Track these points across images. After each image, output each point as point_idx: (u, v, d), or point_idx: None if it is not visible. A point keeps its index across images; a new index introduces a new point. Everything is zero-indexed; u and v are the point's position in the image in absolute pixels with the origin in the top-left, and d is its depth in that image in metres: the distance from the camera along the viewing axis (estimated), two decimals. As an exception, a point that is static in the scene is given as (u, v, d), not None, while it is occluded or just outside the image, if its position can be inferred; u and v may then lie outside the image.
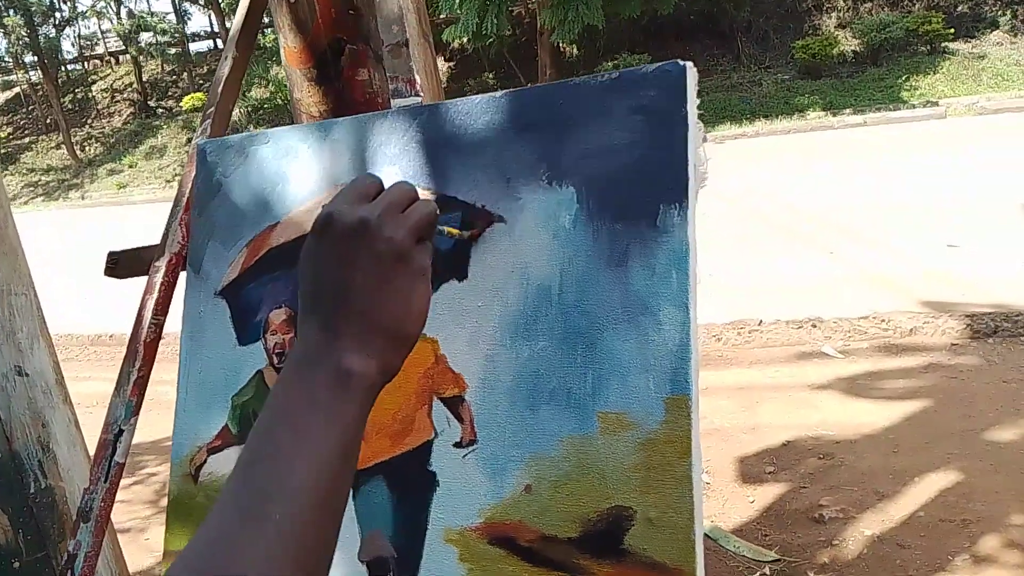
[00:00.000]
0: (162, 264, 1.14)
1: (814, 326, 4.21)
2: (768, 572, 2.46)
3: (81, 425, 1.52)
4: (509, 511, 0.81)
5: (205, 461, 0.99)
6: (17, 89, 28.54)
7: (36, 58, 24.62)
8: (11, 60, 26.47)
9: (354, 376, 0.54)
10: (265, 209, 1.02)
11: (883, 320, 4.18)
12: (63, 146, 24.39)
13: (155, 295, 1.13)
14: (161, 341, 1.16)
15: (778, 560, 2.50)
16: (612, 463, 0.78)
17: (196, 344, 1.04)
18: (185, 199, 1.15)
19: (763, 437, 3.27)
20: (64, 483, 1.34)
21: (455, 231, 0.85)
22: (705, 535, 2.74)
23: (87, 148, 24.62)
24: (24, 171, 24.75)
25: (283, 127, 1.04)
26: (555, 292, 0.84)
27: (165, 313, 1.14)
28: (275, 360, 0.97)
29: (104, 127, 25.45)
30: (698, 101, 0.82)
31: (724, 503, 2.90)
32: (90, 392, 4.82)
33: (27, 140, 26.66)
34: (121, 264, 1.26)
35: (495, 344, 0.85)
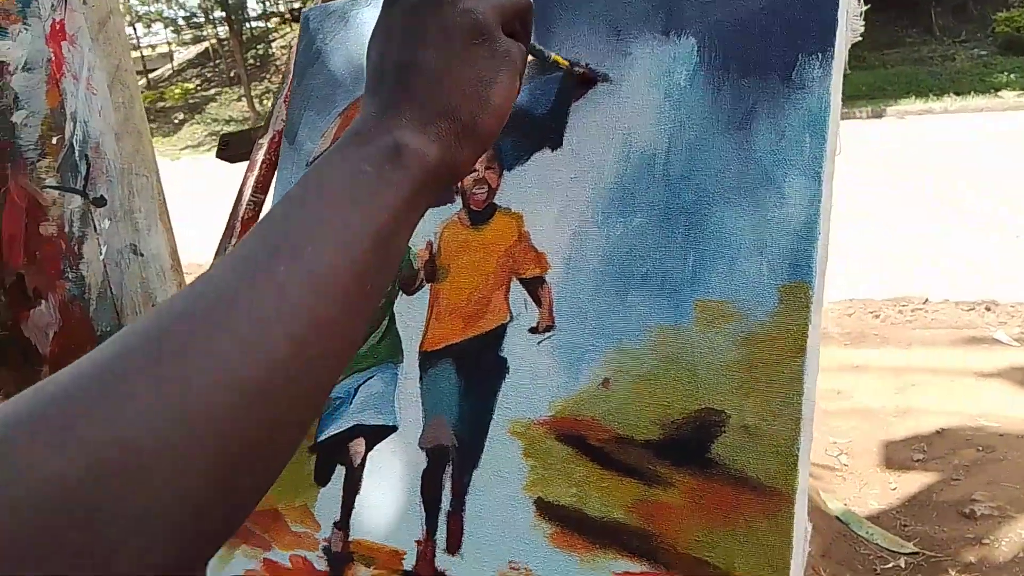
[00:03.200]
0: (265, 141, 1.11)
1: (988, 309, 3.76)
2: (903, 565, 2.21)
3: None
4: (582, 406, 0.71)
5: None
6: (206, 44, 30.76)
7: (224, 14, 26.36)
8: (202, 16, 28.49)
9: (408, 151, 0.47)
10: (361, 77, 0.95)
11: (1072, 310, 3.67)
12: (243, 99, 26.07)
13: (256, 172, 1.10)
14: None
15: (916, 553, 2.24)
16: (707, 359, 0.66)
17: (282, 215, 0.99)
18: (291, 76, 1.11)
19: (915, 422, 2.95)
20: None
21: (562, 60, 0.73)
22: (835, 518, 2.51)
23: (264, 102, 26.21)
24: (208, 120, 26.66)
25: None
26: (660, 162, 0.71)
27: (265, 192, 1.11)
28: (355, 233, 0.91)
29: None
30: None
31: (861, 487, 2.65)
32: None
33: (212, 92, 28.72)
34: (232, 146, 1.24)
35: (585, 221, 0.75)
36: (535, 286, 0.76)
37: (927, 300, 4.04)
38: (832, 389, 3.30)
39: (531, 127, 0.79)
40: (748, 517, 0.62)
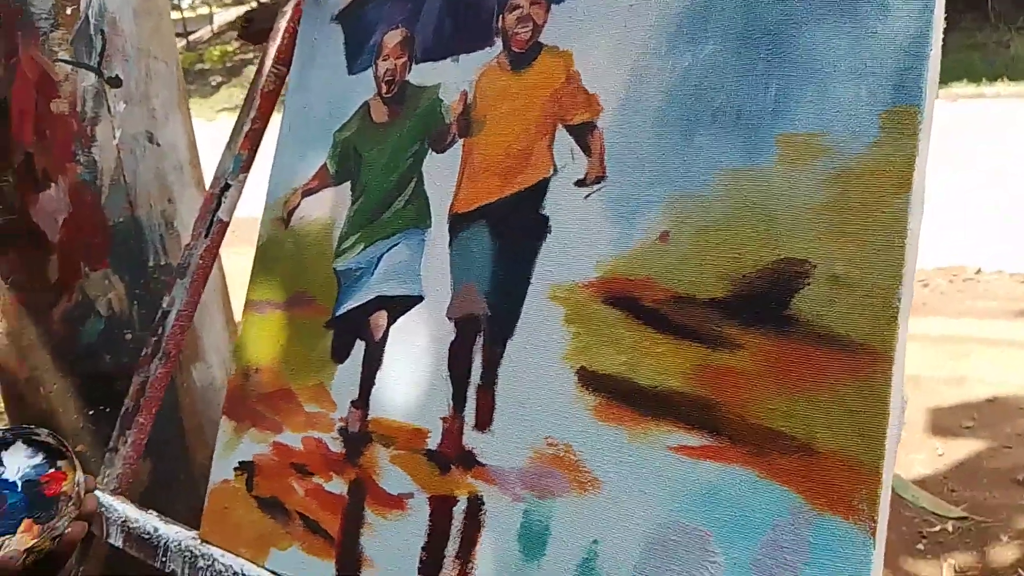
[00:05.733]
0: (289, 8, 1.02)
1: (1044, 281, 3.58)
2: (950, 529, 2.10)
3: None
4: (635, 264, 0.61)
5: (299, 204, 0.86)
6: (247, 6, 30.76)
7: (266, -24, 26.37)
8: (244, -23, 28.49)
9: None
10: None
11: None
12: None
13: (278, 41, 1.01)
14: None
15: (964, 518, 2.12)
16: (789, 202, 0.56)
17: (305, 75, 0.91)
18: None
19: (966, 391, 2.81)
20: (186, 263, 1.29)
21: None
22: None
23: (302, 64, 26.20)
24: (245, 83, 26.69)
25: None
26: (738, -22, 0.61)
27: (288, 63, 1.02)
28: (383, 89, 0.81)
29: (319, 45, 26.84)
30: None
31: (907, 453, 2.53)
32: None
33: (251, 55, 28.78)
34: (256, 22, 1.16)
35: (646, 53, 0.64)
36: (584, 133, 0.66)
37: (979, 271, 3.86)
38: (876, 355, 3.16)
39: (586, -48, 0.69)
40: (834, 381, 0.52)
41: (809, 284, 0.54)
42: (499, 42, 0.73)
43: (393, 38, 0.82)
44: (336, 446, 0.75)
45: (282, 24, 1.01)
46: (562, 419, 0.62)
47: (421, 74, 0.79)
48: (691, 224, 0.59)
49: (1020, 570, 1.91)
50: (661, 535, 0.56)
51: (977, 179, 5.85)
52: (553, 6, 0.70)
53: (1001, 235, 4.51)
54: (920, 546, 2.07)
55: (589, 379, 0.62)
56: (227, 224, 1.02)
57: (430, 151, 0.76)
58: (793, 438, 0.53)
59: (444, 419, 0.69)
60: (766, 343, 0.55)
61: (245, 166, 1.01)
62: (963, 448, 2.48)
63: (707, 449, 0.56)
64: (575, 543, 0.60)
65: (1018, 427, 2.55)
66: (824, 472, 0.51)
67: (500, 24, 0.73)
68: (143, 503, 0.97)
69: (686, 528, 0.55)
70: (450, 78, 0.76)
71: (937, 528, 2.10)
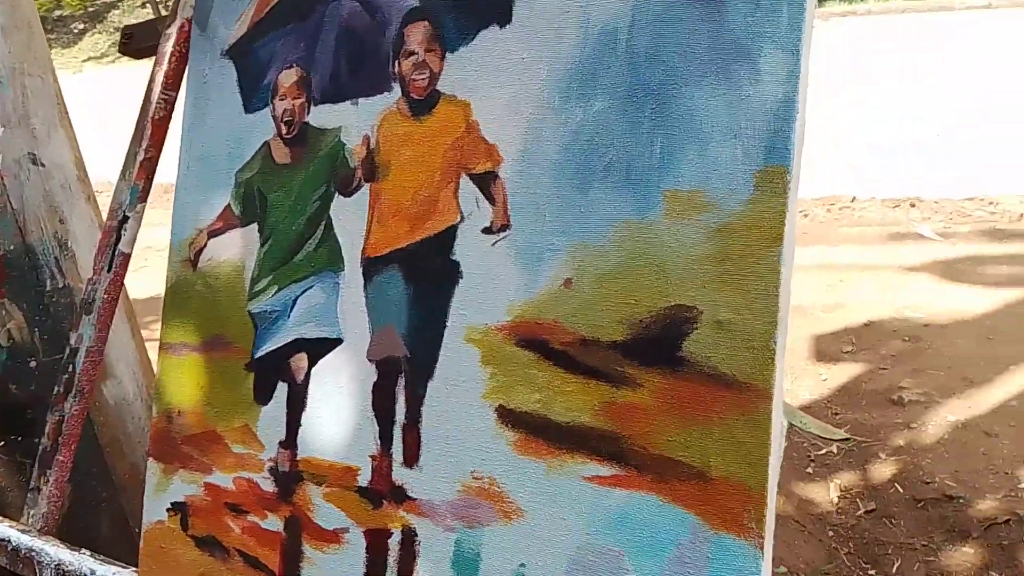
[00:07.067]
0: (173, 31, 0.99)
1: (912, 206, 3.86)
2: (836, 451, 2.31)
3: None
4: (543, 309, 0.66)
5: (205, 245, 0.87)
6: (103, -57, 28.33)
7: (121, -91, 24.24)
8: (97, -88, 26.18)
9: None
10: (279, -48, 0.85)
11: (991, 203, 3.80)
12: (148, 5, 24.33)
13: (164, 66, 0.99)
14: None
15: (848, 439, 2.34)
16: (676, 253, 0.61)
17: (199, 113, 0.90)
18: (198, -46, 0.98)
19: (844, 316, 3.04)
20: (83, 285, 1.26)
21: None
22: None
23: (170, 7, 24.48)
24: (111, 30, 24.81)
25: None
26: (622, 37, 0.65)
27: (176, 88, 1.00)
28: (283, 129, 0.82)
29: (187, -16, 25.09)
30: None
31: (793, 380, 2.73)
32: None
33: (114, -2, 26.67)
34: (136, 38, 1.11)
35: (541, 106, 0.68)
36: (487, 182, 0.70)
37: (854, 199, 4.12)
38: (765, 288, 3.36)
39: (475, 0, 0.71)
40: (723, 415, 0.59)
41: (697, 328, 0.60)
42: (397, 88, 0.75)
43: (288, 77, 0.82)
44: (268, 485, 0.78)
45: (167, 48, 0.99)
46: (485, 454, 0.68)
47: (321, 116, 0.80)
48: (591, 272, 0.65)
49: (897, 484, 2.14)
50: (581, 556, 0.63)
51: (848, 104, 6.14)
52: (448, 55, 0.72)
53: (872, 161, 4.81)
54: (809, 469, 2.27)
55: (508, 416, 0.67)
56: (129, 256, 1.01)
57: (337, 194, 0.78)
58: (690, 466, 0.60)
59: (373, 457, 0.73)
60: (663, 382, 0.61)
61: (142, 196, 1.00)
62: (844, 372, 2.71)
63: (617, 478, 0.62)
64: (504, 568, 0.66)
65: (892, 348, 2.79)
66: (718, 496, 0.59)
67: (396, 70, 0.75)
68: (66, 525, 0.98)
69: (602, 549, 0.62)
70: (351, 121, 0.77)
71: (824, 451, 2.31)
